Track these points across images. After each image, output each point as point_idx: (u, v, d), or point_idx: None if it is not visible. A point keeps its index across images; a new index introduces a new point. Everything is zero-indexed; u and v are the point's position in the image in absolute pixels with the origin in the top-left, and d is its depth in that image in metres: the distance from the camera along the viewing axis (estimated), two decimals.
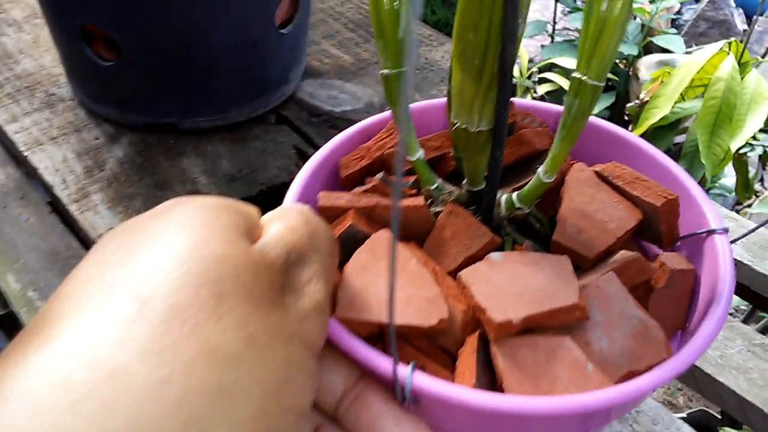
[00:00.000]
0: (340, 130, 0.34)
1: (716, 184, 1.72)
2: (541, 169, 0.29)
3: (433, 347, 0.27)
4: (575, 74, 0.27)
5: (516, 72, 1.82)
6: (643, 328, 0.26)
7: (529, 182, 0.30)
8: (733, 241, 0.29)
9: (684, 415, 0.83)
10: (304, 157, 0.53)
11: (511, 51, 0.24)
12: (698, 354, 0.24)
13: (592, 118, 0.35)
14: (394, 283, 0.24)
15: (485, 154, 0.29)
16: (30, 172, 0.53)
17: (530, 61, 1.95)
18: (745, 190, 1.52)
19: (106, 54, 0.50)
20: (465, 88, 0.26)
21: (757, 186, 1.93)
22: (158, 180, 0.50)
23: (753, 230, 0.29)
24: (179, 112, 0.53)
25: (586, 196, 0.31)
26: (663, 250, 0.31)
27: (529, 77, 1.77)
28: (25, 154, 0.52)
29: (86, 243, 0.48)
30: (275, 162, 0.52)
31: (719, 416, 0.82)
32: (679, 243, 0.31)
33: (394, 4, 0.29)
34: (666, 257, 0.28)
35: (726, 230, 0.28)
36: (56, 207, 0.51)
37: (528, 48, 2.06)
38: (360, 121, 0.35)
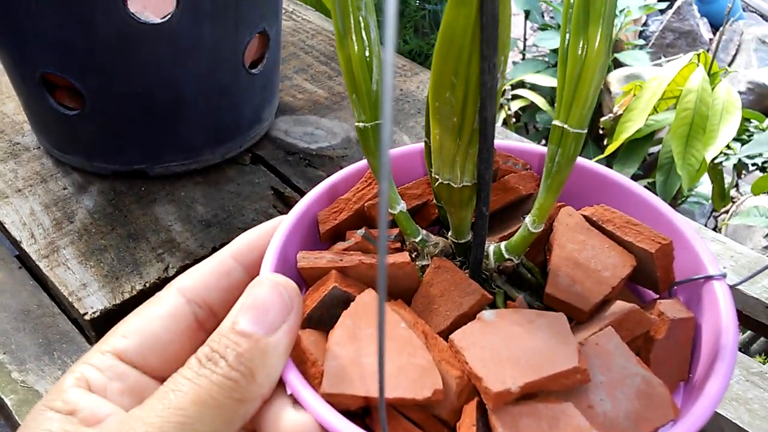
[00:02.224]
0: (317, 168, 0.32)
1: (692, 193, 1.73)
2: (528, 219, 0.28)
3: (428, 419, 0.25)
4: (556, 122, 0.26)
5: None
6: (647, 387, 0.24)
7: (517, 232, 0.29)
8: (733, 285, 0.28)
9: None
10: (282, 198, 0.52)
11: (491, 108, 0.23)
12: (708, 415, 0.23)
13: (578, 159, 0.34)
14: (383, 360, 0.23)
15: (470, 208, 0.28)
16: None
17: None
18: (721, 198, 1.53)
19: (69, 102, 0.48)
20: (445, 145, 0.25)
21: (732, 192, 1.95)
22: (130, 230, 0.48)
23: (753, 276, 0.28)
24: (149, 157, 0.51)
25: (577, 243, 0.30)
26: (659, 295, 0.30)
27: (502, 95, 1.78)
28: None
29: (58, 300, 0.46)
30: (252, 205, 0.51)
31: None
32: (675, 288, 0.30)
33: (365, 53, 0.28)
34: (665, 306, 0.27)
35: (724, 276, 0.27)
36: (25, 263, 0.48)
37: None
38: (337, 157, 0.34)
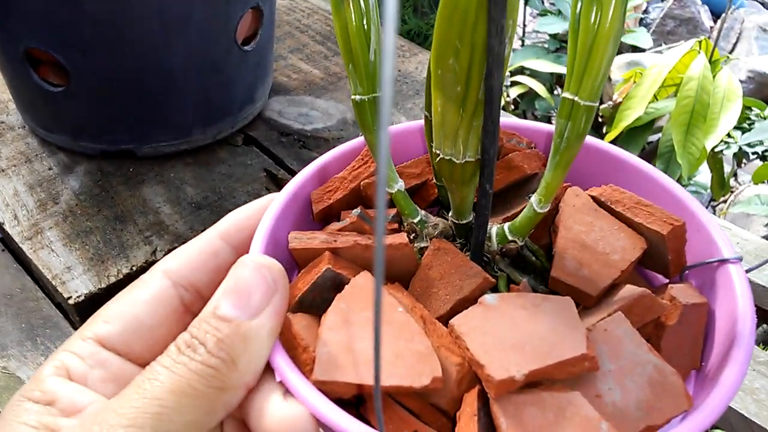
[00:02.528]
0: (312, 150, 0.31)
1: (691, 182, 1.72)
2: (534, 199, 0.27)
3: (426, 407, 0.24)
4: (566, 95, 0.24)
5: None
6: (659, 376, 0.23)
7: (522, 212, 0.27)
8: (747, 271, 0.27)
9: None
10: (275, 180, 0.50)
11: (498, 76, 0.21)
12: (725, 405, 0.22)
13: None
14: (379, 347, 0.21)
15: (473, 186, 0.26)
16: None
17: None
18: (720, 188, 1.52)
19: (54, 79, 0.46)
20: (447, 117, 0.24)
21: (731, 182, 1.94)
22: (117, 212, 0.46)
23: (766, 262, 0.26)
24: (137, 137, 0.49)
25: (584, 225, 0.28)
26: (669, 280, 0.29)
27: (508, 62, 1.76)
28: None
29: (42, 284, 0.44)
30: (244, 187, 0.49)
31: None
32: (687, 272, 0.28)
33: (363, 23, 0.27)
34: (676, 291, 0.26)
35: (740, 259, 0.26)
36: (8, 245, 0.47)
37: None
38: (332, 139, 0.32)
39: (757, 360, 0.42)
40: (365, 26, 0.27)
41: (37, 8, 0.42)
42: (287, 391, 0.22)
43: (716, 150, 1.38)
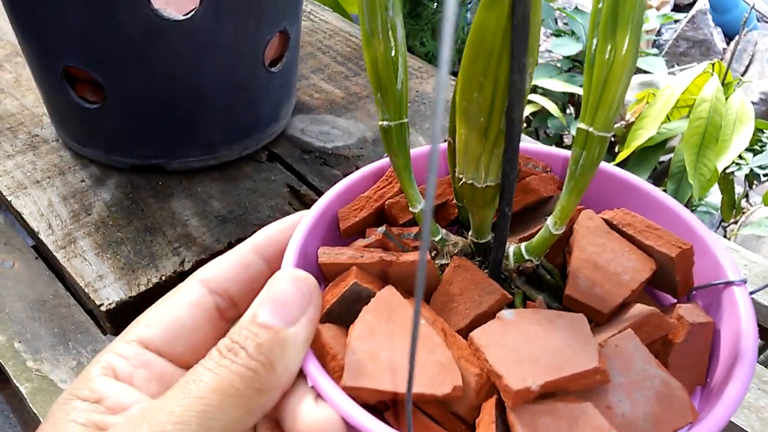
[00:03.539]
0: (332, 167, 0.33)
1: (702, 202, 1.73)
2: (549, 221, 0.28)
3: (446, 415, 0.25)
4: (581, 125, 0.26)
5: None
6: (666, 390, 0.25)
7: (538, 233, 0.29)
8: (751, 293, 0.28)
9: None
10: (297, 196, 0.52)
11: (519, 109, 0.23)
12: (727, 418, 0.23)
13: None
14: (414, 355, 0.23)
15: (492, 208, 0.28)
16: (14, 217, 0.51)
17: None
18: (731, 208, 1.53)
19: (90, 96, 0.49)
20: (470, 144, 0.25)
21: (742, 203, 1.94)
22: (147, 223, 0.48)
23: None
24: (167, 152, 0.51)
25: (597, 246, 0.30)
26: (677, 300, 0.30)
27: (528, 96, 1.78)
28: (9, 198, 0.51)
29: (73, 291, 0.46)
30: (268, 201, 0.51)
31: None
32: (694, 293, 0.30)
33: (391, 54, 0.28)
34: (684, 310, 0.27)
35: (745, 281, 0.27)
36: (42, 253, 0.49)
37: None
38: (352, 156, 0.34)
39: (762, 379, 0.43)
40: (393, 57, 0.29)
41: (75, 28, 0.45)
42: (319, 396, 0.24)
43: (728, 171, 1.39)
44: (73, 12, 0.44)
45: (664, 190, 1.51)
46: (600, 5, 0.26)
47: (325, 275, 0.30)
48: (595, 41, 0.26)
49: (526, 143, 0.35)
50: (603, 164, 0.34)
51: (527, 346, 0.25)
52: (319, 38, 0.73)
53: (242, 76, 0.50)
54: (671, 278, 0.29)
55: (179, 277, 0.45)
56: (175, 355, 0.25)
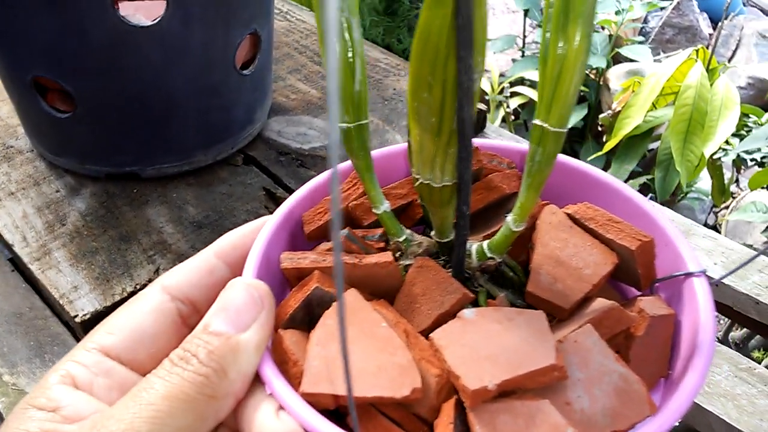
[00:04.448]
0: (309, 168, 0.33)
1: (692, 189, 1.73)
2: (509, 218, 0.28)
3: (408, 417, 0.25)
4: (536, 121, 0.26)
5: (487, 87, 1.82)
6: (625, 384, 0.25)
7: (499, 231, 0.29)
8: (718, 279, 0.28)
9: None
10: (274, 198, 0.52)
11: (468, 109, 0.23)
12: (684, 409, 0.23)
13: (561, 157, 0.34)
14: (348, 361, 0.23)
15: (451, 207, 0.28)
16: None
17: (501, 75, 1.95)
18: (721, 194, 1.53)
19: (61, 105, 0.49)
20: (424, 145, 0.25)
21: (732, 188, 1.95)
22: (122, 232, 0.48)
23: (739, 267, 0.28)
24: (141, 159, 0.51)
25: (559, 241, 0.30)
26: (640, 292, 0.30)
27: (500, 92, 1.78)
28: None
29: (50, 303, 0.46)
30: (244, 206, 0.51)
31: None
32: (657, 285, 0.30)
33: (348, 54, 0.28)
34: (645, 303, 0.27)
35: (704, 272, 0.28)
36: (17, 266, 0.49)
37: (499, 62, 2.07)
38: (329, 157, 0.34)
39: (739, 367, 0.44)
40: (350, 59, 0.29)
41: (43, 38, 0.45)
42: (281, 408, 0.24)
43: (714, 157, 1.39)
44: (40, 23, 0.44)
45: (653, 178, 1.51)
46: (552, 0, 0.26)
47: (289, 280, 0.30)
48: (548, 36, 0.26)
49: (490, 140, 0.35)
50: (567, 159, 0.34)
51: (486, 344, 0.25)
52: (296, 38, 0.73)
53: (214, 80, 0.50)
54: (633, 271, 0.29)
55: None
56: (136, 363, 0.25)
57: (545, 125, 0.26)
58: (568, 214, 0.31)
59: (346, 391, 0.24)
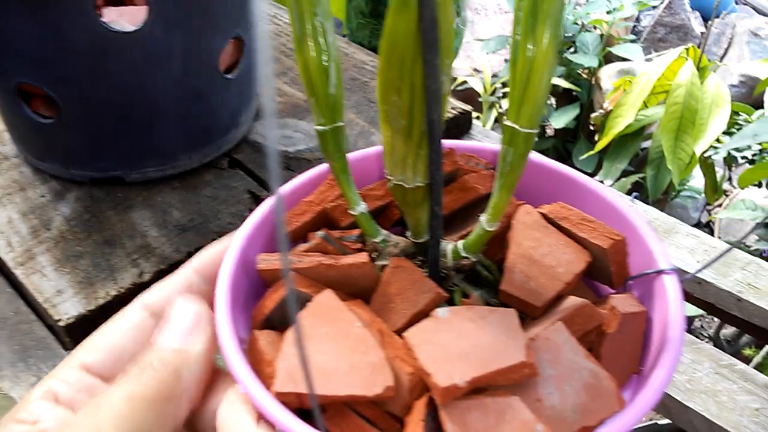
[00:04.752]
0: (294, 171, 0.33)
1: (685, 187, 1.73)
2: (483, 218, 0.29)
3: (381, 415, 0.25)
4: (507, 122, 0.26)
5: (480, 88, 1.83)
6: (595, 380, 0.25)
7: (473, 231, 0.29)
8: (698, 270, 0.28)
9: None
10: (258, 201, 0.52)
11: (436, 111, 0.24)
12: (651, 405, 0.24)
13: (537, 157, 0.34)
14: (305, 351, 0.23)
15: (424, 208, 0.28)
16: None
17: (494, 76, 1.96)
18: (714, 192, 1.53)
19: (45, 111, 0.49)
20: (396, 146, 0.26)
21: (726, 185, 1.96)
22: (107, 236, 0.49)
23: (712, 262, 0.28)
24: (126, 164, 0.51)
25: (533, 241, 0.30)
26: (614, 290, 0.30)
27: (492, 93, 1.78)
28: None
29: (34, 307, 0.46)
30: (228, 209, 0.51)
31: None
32: (630, 282, 0.30)
33: (323, 58, 0.29)
34: (616, 300, 0.28)
35: (675, 270, 0.28)
36: (2, 270, 0.49)
37: (491, 62, 2.07)
38: (314, 160, 0.34)
39: (720, 363, 0.44)
40: (325, 62, 0.29)
41: (26, 45, 0.45)
42: (261, 418, 0.24)
43: (706, 155, 1.40)
44: (22, 28, 0.44)
45: (644, 177, 1.51)
46: (521, 1, 0.26)
47: (266, 282, 0.30)
48: (518, 38, 0.26)
49: (469, 142, 0.35)
50: (543, 159, 0.34)
51: (458, 342, 0.25)
52: (283, 41, 0.73)
53: (197, 85, 0.50)
54: (606, 269, 0.30)
55: (138, 288, 0.45)
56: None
57: (515, 126, 0.26)
58: (543, 214, 0.31)
59: (323, 391, 0.24)
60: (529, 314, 0.29)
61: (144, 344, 0.27)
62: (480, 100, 1.83)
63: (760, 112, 1.40)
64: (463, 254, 0.30)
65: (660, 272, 0.28)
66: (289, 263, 0.29)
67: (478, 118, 1.82)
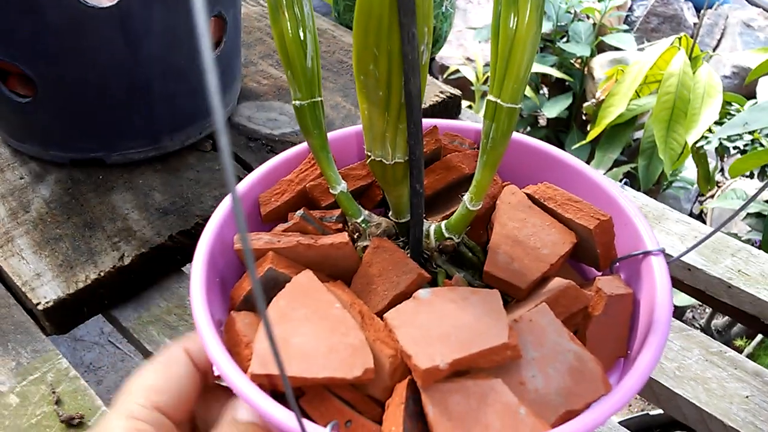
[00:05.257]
0: (278, 154, 0.32)
1: (678, 177, 1.73)
2: (466, 197, 0.28)
3: (361, 398, 0.25)
4: (489, 97, 0.26)
5: (473, 77, 1.82)
6: (579, 363, 0.24)
7: (457, 210, 0.29)
8: (684, 253, 0.28)
9: (623, 418, 0.82)
10: None
11: (415, 82, 0.23)
12: (637, 388, 0.23)
13: (522, 137, 0.33)
14: (281, 333, 0.22)
15: (405, 186, 0.27)
16: None
17: (486, 65, 1.95)
18: (706, 182, 1.53)
19: (22, 90, 0.47)
20: (374, 120, 0.25)
21: (718, 177, 1.95)
22: (87, 219, 0.47)
23: (699, 243, 0.28)
24: (106, 145, 0.50)
25: (518, 221, 0.29)
26: (601, 272, 0.30)
27: (485, 82, 1.77)
28: None
29: (13, 290, 0.45)
30: (211, 192, 0.50)
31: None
32: (617, 264, 0.29)
33: (299, 31, 0.28)
34: (603, 282, 0.27)
35: (662, 251, 0.27)
36: None
37: (484, 51, 2.06)
38: (299, 143, 0.33)
39: (709, 350, 0.43)
40: (301, 34, 0.28)
41: (0, 21, 0.44)
42: None
43: (698, 146, 1.39)
44: None
45: (636, 167, 1.51)
46: None
47: (243, 262, 0.29)
48: (499, 11, 0.25)
49: (452, 121, 0.34)
50: (528, 139, 0.33)
51: (439, 324, 0.24)
52: (268, 23, 0.71)
53: (178, 63, 0.49)
54: (593, 251, 0.29)
55: (118, 272, 0.44)
56: (177, 419, 0.26)
57: (498, 101, 0.26)
58: (528, 194, 0.30)
59: (300, 373, 0.23)
60: (513, 296, 0.28)
61: (196, 388, 0.27)
62: (473, 88, 1.82)
63: (752, 102, 1.40)
64: (447, 234, 0.29)
65: (647, 253, 0.27)
66: (267, 242, 0.28)
67: (470, 107, 1.81)
